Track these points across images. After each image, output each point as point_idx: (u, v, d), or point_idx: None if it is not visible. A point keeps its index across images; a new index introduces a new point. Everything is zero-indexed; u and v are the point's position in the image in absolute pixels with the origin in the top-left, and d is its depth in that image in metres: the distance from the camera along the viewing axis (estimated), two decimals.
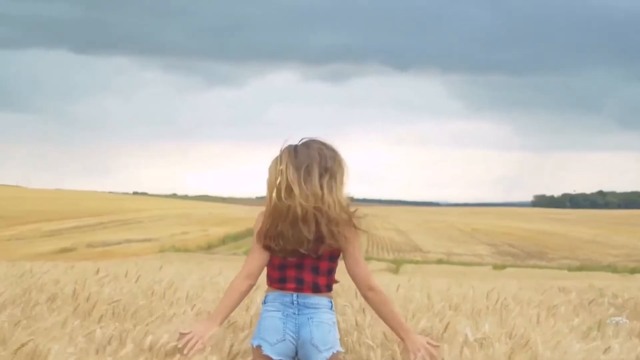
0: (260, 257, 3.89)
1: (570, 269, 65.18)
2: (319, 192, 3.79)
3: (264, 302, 3.93)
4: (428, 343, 3.89)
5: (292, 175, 3.77)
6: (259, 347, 3.79)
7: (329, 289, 3.91)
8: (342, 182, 3.93)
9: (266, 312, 3.88)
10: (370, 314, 5.17)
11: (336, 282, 3.96)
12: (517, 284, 12.50)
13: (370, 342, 4.55)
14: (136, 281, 6.44)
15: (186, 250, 73.65)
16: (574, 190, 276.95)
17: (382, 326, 4.43)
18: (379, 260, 69.64)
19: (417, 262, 68.70)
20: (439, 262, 71.46)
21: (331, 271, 3.91)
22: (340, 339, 3.93)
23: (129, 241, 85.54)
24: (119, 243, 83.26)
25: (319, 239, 3.78)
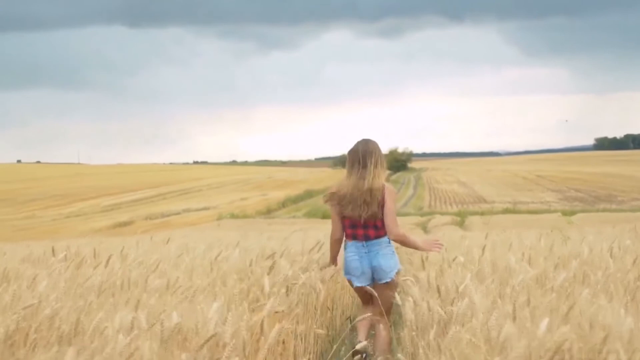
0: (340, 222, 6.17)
1: None
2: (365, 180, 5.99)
3: (345, 249, 6.18)
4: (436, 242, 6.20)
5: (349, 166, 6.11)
6: (349, 280, 6.15)
7: (385, 233, 6.03)
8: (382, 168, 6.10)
9: (348, 256, 6.13)
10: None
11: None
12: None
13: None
14: (106, 265, 4.46)
15: (245, 216, 72.00)
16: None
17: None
18: (442, 214, 67.41)
19: (482, 214, 65.96)
20: (506, 211, 68.75)
21: (384, 224, 6.01)
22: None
23: (187, 210, 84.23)
24: (177, 213, 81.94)
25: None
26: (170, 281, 4.11)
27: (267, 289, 4.28)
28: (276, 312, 3.86)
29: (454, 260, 5.69)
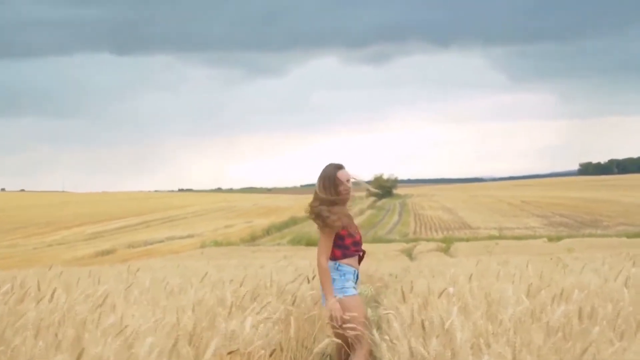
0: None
1: (628, 235, 62.13)
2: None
3: None
4: (341, 315, 5.83)
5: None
6: None
7: (334, 258, 6.15)
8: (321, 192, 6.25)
9: None
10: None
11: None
12: None
13: None
14: (50, 299, 3.99)
15: (229, 243, 71.42)
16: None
17: None
18: (427, 240, 67.01)
19: (467, 240, 65.64)
20: (491, 237, 68.38)
21: (334, 248, 6.15)
22: None
23: (171, 238, 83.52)
24: (161, 241, 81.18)
25: None
26: (113, 318, 3.66)
27: (227, 326, 3.81)
28: (230, 353, 3.41)
29: (442, 293, 5.20)
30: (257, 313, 4.73)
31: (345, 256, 6.12)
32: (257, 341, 3.99)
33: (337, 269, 6.08)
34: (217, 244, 70.73)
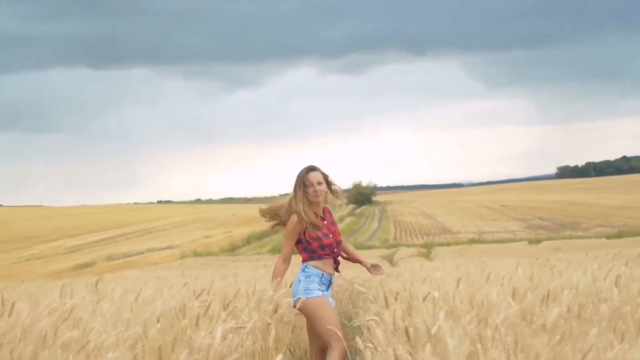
0: None
1: (608, 236, 62.44)
2: None
3: None
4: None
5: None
6: None
7: (303, 260, 6.26)
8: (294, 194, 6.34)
9: None
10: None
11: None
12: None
13: None
14: (10, 314, 3.75)
15: (209, 254, 71.04)
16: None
17: None
18: (407, 246, 66.88)
19: (448, 244, 65.63)
20: (471, 241, 68.44)
21: (301, 250, 6.29)
22: None
23: (151, 250, 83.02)
24: (140, 253, 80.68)
25: None
26: (78, 333, 3.42)
27: (195, 337, 3.58)
28: None
29: (426, 297, 4.97)
30: (224, 321, 4.48)
31: (311, 259, 6.17)
32: (232, 353, 3.75)
33: (303, 271, 6.15)
34: (196, 254, 70.35)
